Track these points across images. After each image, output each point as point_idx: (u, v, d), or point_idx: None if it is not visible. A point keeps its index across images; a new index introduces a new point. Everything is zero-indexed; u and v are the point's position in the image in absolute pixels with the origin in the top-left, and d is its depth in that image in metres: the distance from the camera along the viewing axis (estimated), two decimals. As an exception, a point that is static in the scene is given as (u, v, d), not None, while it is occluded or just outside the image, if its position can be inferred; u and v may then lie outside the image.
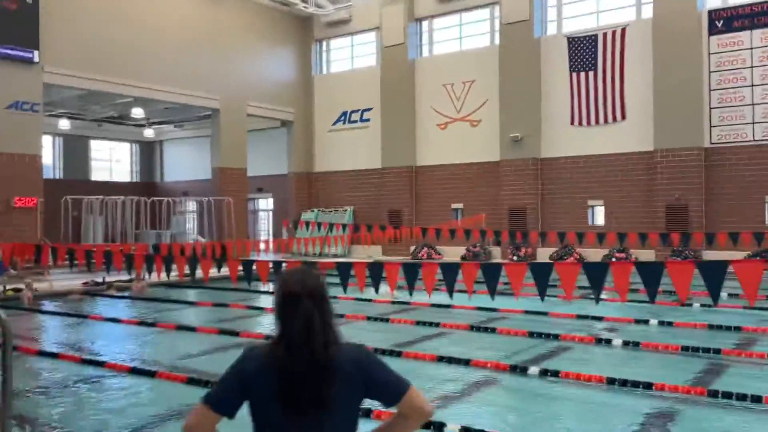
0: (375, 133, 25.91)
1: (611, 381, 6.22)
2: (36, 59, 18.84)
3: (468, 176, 23.73)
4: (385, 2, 25.20)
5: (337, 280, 7.03)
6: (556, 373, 6.50)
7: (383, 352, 7.33)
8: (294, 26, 27.39)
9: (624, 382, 6.14)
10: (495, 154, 22.85)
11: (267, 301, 13.23)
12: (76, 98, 23.93)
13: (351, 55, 27.45)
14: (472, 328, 9.37)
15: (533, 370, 6.71)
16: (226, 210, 24.04)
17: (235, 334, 9.11)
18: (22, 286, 13.54)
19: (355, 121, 26.78)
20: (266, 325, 10.16)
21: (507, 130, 22.31)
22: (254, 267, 8.10)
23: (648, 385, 6.03)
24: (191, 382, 6.42)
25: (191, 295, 14.46)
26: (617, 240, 16.81)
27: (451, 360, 7.27)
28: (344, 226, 21.55)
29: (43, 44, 18.93)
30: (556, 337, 8.62)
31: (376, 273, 6.74)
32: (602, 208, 21.22)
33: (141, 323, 10.40)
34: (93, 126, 29.60)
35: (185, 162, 32.85)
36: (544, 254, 21.03)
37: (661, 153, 19.92)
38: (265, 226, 30.96)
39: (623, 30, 20.81)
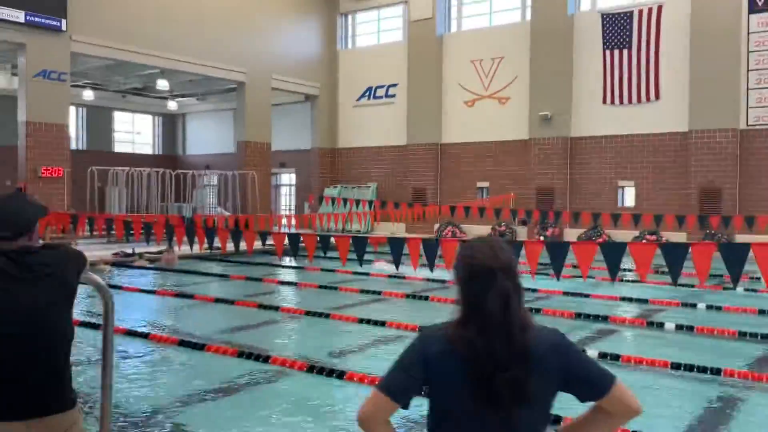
0: (400, 110, 25.59)
1: (676, 366, 6.01)
2: (64, 28, 18.66)
3: (495, 154, 23.41)
4: (414, -25, 24.74)
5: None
6: (616, 357, 6.29)
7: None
8: (319, -1, 27.01)
9: (690, 368, 5.93)
10: (524, 132, 22.49)
11: (297, 276, 13.11)
12: (101, 68, 23.79)
13: (377, 30, 27.05)
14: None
15: (590, 353, 6.50)
16: (250, 184, 23.90)
17: (275, 308, 8.99)
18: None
19: (380, 97, 26.45)
20: (303, 299, 10.03)
21: (537, 108, 21.93)
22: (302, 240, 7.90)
23: (716, 371, 5.82)
24: (241, 355, 6.29)
25: (221, 267, 14.35)
26: (646, 222, 16.57)
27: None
28: (370, 202, 21.33)
29: (71, 13, 18.74)
30: (605, 318, 8.41)
31: (430, 251, 6.53)
32: (633, 189, 20.87)
33: (177, 295, 10.29)
34: (117, 97, 29.48)
35: (207, 135, 32.73)
36: (572, 235, 20.73)
37: (696, 134, 19.50)
38: (286, 201, 30.83)
39: (660, 7, 20.27)
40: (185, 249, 15.19)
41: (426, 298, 9.96)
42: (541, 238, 20.78)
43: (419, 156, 24.92)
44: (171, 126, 33.91)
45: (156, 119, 33.53)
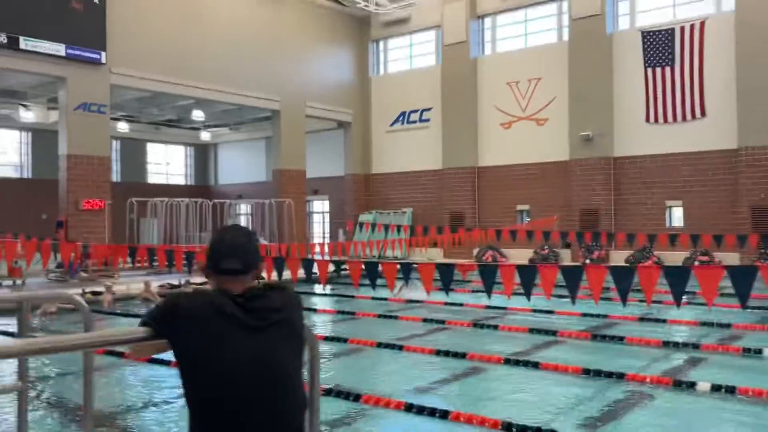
0: (435, 134, 25.35)
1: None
2: (103, 60, 18.71)
3: (534, 176, 23.01)
4: (447, 0, 24.63)
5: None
6: (731, 390, 5.84)
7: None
8: (350, 26, 27.01)
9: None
10: (564, 153, 22.10)
11: (347, 304, 12.77)
12: (136, 100, 23.88)
13: (409, 55, 26.94)
14: (594, 336, 8.74)
15: (703, 386, 6.04)
16: (287, 212, 23.70)
17: (343, 340, 8.64)
18: (101, 288, 13.28)
19: (414, 122, 26.26)
20: (366, 329, 9.67)
21: (577, 128, 21.56)
22: (380, 268, 7.55)
23: None
24: (329, 393, 5.93)
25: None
26: (692, 242, 16.00)
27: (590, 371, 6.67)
28: (411, 228, 20.98)
29: (110, 45, 18.80)
30: (695, 346, 7.94)
31: (527, 277, 6.16)
32: (681, 209, 20.32)
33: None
34: (150, 129, 29.60)
35: (239, 165, 32.73)
36: (618, 257, 20.21)
37: (745, 151, 18.98)
38: (319, 228, 30.60)
39: (702, 23, 19.90)
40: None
41: (494, 327, 9.57)
42: (587, 261, 20.28)
43: (456, 180, 24.60)
44: (203, 156, 33.98)
45: (188, 149, 33.63)
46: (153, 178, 31.92)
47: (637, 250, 19.71)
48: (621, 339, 8.41)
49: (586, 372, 6.67)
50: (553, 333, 8.99)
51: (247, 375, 1.99)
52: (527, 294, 6.20)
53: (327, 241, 27.81)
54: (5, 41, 16.76)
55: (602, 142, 21.19)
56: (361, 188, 27.42)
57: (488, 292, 6.34)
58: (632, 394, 6.03)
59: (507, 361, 7.18)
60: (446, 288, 6.49)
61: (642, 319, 9.98)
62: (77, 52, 18.19)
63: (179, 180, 33.33)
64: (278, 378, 2.04)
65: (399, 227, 20.15)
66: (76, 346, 1.74)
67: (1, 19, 16.72)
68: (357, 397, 5.83)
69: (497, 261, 22.35)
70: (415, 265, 6.78)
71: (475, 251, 23.34)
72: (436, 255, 23.29)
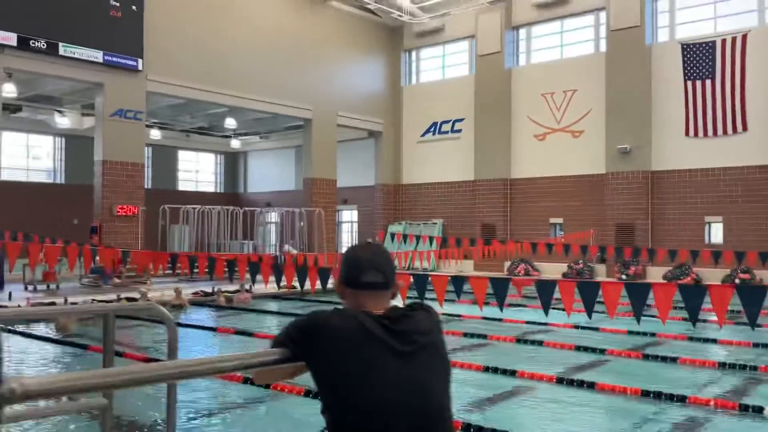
0: (467, 145, 25.12)
1: None
2: (140, 67, 18.80)
3: (568, 189, 22.66)
4: (481, 10, 24.46)
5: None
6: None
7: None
8: (383, 36, 26.94)
9: None
10: (600, 166, 21.73)
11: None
12: (169, 108, 24.00)
13: (442, 65, 26.79)
14: (646, 357, 8.43)
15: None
16: (317, 221, 23.59)
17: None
18: (136, 295, 13.23)
19: (446, 132, 26.06)
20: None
21: (614, 141, 21.20)
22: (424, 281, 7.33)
23: None
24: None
25: (304, 307, 13.89)
26: (737, 259, 15.58)
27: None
28: (444, 239, 20.74)
29: (147, 52, 18.88)
30: (753, 368, 7.61)
31: (589, 294, 5.90)
32: (720, 225, 19.84)
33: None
34: (181, 136, 29.75)
35: (268, 173, 32.76)
36: (655, 273, 19.78)
37: (789, 167, 18.51)
38: (347, 238, 30.45)
39: (744, 36, 19.49)
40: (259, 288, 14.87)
41: (540, 342, 9.29)
42: (623, 276, 19.87)
43: (488, 191, 24.33)
44: (233, 164, 34.08)
45: (218, 157, 33.76)
46: (183, 185, 32.06)
47: (675, 267, 19.28)
48: (674, 359, 8.10)
49: (645, 394, 6.39)
50: (602, 351, 8.69)
51: (399, 406, 1.79)
52: (589, 312, 5.95)
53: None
54: (45, 47, 16.91)
55: (640, 156, 20.80)
56: (391, 198, 27.26)
57: (546, 308, 6.09)
58: (693, 419, 5.75)
59: (560, 381, 6.92)
60: (500, 303, 6.25)
61: (691, 339, 9.64)
62: (115, 59, 18.30)
63: (209, 187, 33.45)
64: (432, 410, 1.85)
65: (431, 238, 19.93)
66: (203, 371, 1.52)
67: (42, 26, 16.88)
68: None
69: (530, 274, 22.01)
70: (466, 278, 6.55)
71: (507, 264, 23.02)
72: (468, 267, 23.01)
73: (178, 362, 1.47)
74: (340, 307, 2.00)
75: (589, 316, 6.29)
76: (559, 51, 23.55)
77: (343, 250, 27.98)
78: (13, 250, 10.15)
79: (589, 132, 22.15)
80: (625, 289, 5.75)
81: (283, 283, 9.13)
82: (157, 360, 7.74)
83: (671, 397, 6.27)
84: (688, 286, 6.61)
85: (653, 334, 9.77)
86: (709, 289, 5.43)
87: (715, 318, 9.36)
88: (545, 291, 6.12)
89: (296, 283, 8.79)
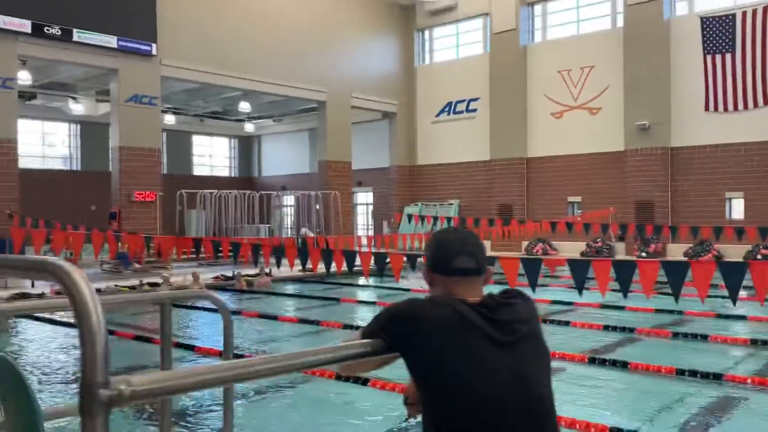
0: (483, 124, 24.91)
1: None
2: (154, 52, 18.73)
3: (587, 167, 22.45)
4: (495, -13, 24.13)
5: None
6: None
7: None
8: (395, 16, 26.67)
9: None
10: (618, 143, 21.50)
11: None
12: (183, 93, 23.94)
13: (456, 44, 26.51)
14: (676, 335, 8.35)
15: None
16: (333, 204, 23.55)
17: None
18: (159, 280, 13.27)
19: (461, 112, 25.85)
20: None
21: (632, 117, 20.94)
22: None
23: None
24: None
25: (326, 290, 13.88)
26: (760, 235, 15.37)
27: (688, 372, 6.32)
28: (462, 220, 20.62)
29: (161, 37, 18.80)
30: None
31: (625, 273, 5.82)
32: (741, 201, 19.61)
33: (301, 321, 9.81)
34: (195, 121, 29.71)
35: (283, 156, 32.71)
36: (675, 250, 19.61)
37: (813, 140, 18.22)
38: (362, 220, 30.40)
39: (765, 8, 19.12)
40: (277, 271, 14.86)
41: (567, 323, 9.22)
42: (643, 254, 19.71)
43: (504, 171, 24.16)
44: (247, 148, 34.05)
45: (232, 141, 33.73)
46: (197, 170, 32.10)
47: (696, 244, 19.10)
48: (705, 337, 8.01)
49: (680, 372, 6.31)
50: (630, 330, 8.61)
51: (501, 398, 1.72)
52: (624, 292, 5.86)
53: (371, 233, 27.62)
54: (59, 33, 16.86)
55: (659, 132, 20.55)
56: (406, 180, 27.14)
57: (579, 288, 6.01)
58: (730, 397, 5.68)
59: (592, 361, 6.86)
60: (533, 284, 6.17)
61: (719, 316, 9.54)
62: (129, 44, 18.23)
63: (223, 172, 33.47)
64: (537, 404, 1.77)
65: (448, 219, 19.82)
66: (290, 367, 1.41)
67: (56, 12, 16.82)
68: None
69: (548, 254, 21.90)
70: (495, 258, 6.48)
71: (525, 244, 22.90)
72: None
73: (286, 355, 1.40)
74: (432, 295, 1.92)
75: (625, 296, 6.20)
76: (576, 27, 23.23)
77: (359, 232, 27.93)
78: (38, 237, 10.17)
79: (607, 109, 21.90)
80: (662, 268, 5.65)
81: (308, 266, 9.11)
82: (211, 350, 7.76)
83: (707, 375, 6.19)
84: (729, 263, 6.51)
85: (680, 312, 9.67)
86: (751, 266, 5.33)
87: (745, 295, 9.28)
88: (579, 271, 6.04)
89: (310, 265, 8.75)
